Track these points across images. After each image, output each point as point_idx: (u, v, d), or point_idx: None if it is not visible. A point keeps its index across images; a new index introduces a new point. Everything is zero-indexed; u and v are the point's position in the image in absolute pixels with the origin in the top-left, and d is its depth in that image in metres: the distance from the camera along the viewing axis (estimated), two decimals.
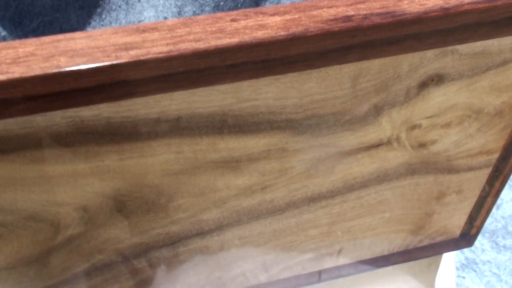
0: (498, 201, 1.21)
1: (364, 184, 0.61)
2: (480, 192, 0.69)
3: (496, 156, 0.64)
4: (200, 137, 0.49)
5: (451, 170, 0.64)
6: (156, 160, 0.50)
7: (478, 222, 0.75)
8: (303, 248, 0.68)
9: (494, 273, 1.06)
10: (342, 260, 0.73)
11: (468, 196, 0.69)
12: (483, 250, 1.10)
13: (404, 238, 0.73)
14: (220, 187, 0.55)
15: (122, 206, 0.54)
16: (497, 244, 1.10)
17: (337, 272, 0.74)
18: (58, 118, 0.44)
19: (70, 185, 0.50)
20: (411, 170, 0.62)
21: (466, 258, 1.09)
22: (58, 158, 0.47)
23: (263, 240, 0.64)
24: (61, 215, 0.53)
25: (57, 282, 0.60)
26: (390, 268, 0.86)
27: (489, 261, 1.08)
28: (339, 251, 0.71)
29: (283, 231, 0.64)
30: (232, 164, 0.53)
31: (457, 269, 1.07)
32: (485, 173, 0.66)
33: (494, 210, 1.21)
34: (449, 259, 1.02)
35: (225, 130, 0.50)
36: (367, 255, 0.73)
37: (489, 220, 1.17)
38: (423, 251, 0.77)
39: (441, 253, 0.79)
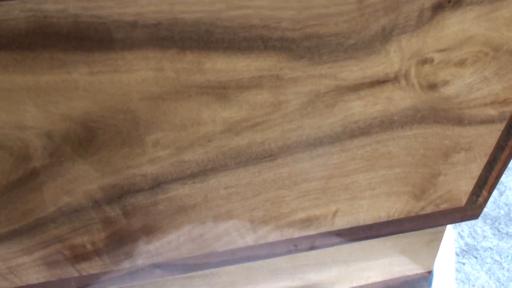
0: (501, 188, 1.16)
1: (366, 130, 0.55)
2: (491, 152, 0.63)
3: (511, 108, 0.58)
4: (184, 52, 0.43)
5: (462, 121, 0.58)
6: (132, 78, 0.44)
7: (486, 190, 0.69)
8: (295, 206, 0.61)
9: (496, 260, 1.00)
10: (338, 224, 0.66)
11: (478, 155, 0.63)
12: (484, 237, 1.05)
13: (406, 202, 0.67)
14: (205, 120, 0.49)
15: (93, 135, 0.47)
16: (499, 231, 1.05)
17: (331, 239, 0.68)
18: (17, 11, 0.38)
19: (32, 102, 0.43)
20: (418, 118, 0.56)
21: (467, 244, 1.04)
22: (17, 64, 0.41)
23: (252, 192, 0.58)
24: (23, 142, 0.46)
25: (18, 228, 0.54)
26: (387, 244, 0.80)
27: (490, 248, 1.03)
28: (335, 213, 0.64)
29: (274, 182, 0.57)
30: (219, 90, 0.47)
31: (457, 255, 1.01)
32: (498, 129, 0.60)
33: (496, 196, 1.16)
34: (449, 244, 0.96)
35: (212, 44, 0.43)
36: (365, 219, 0.67)
37: (491, 206, 1.12)
38: (426, 220, 0.71)
39: (444, 224, 0.73)
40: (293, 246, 0.68)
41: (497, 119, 0.59)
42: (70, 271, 0.61)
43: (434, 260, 0.88)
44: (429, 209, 0.69)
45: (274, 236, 0.65)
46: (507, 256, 1.01)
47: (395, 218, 0.69)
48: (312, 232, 0.66)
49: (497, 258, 1.01)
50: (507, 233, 1.05)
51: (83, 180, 0.51)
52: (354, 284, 0.86)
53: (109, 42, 0.41)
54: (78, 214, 0.54)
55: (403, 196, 0.65)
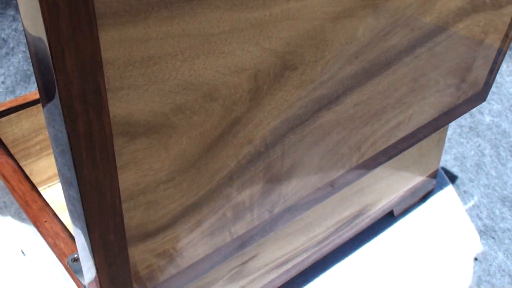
0: None
1: (447, 25, 0.65)
2: (505, 32, 0.77)
3: None
4: None
5: (495, 4, 0.70)
6: None
7: (494, 72, 0.83)
8: (390, 115, 0.69)
9: None
10: (409, 127, 0.75)
11: (497, 38, 0.76)
12: (503, 218, 1.07)
13: (451, 94, 0.78)
14: (359, 36, 0.54)
15: (285, 68, 0.50)
16: None
17: (406, 143, 0.76)
18: None
19: (254, 40, 0.46)
20: (475, 5, 0.66)
21: (485, 225, 1.06)
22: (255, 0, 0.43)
23: (368, 107, 0.64)
24: (235, 89, 0.48)
25: (202, 194, 0.54)
26: (413, 150, 0.91)
27: (508, 229, 1.05)
28: (411, 116, 0.73)
29: (384, 92, 0.64)
30: (375, 1, 0.53)
31: None
32: (510, 11, 0.74)
33: None
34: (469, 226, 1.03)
35: None
36: (426, 118, 0.77)
37: (511, 189, 1.14)
38: (456, 111, 0.82)
39: (466, 111, 0.86)
40: (373, 162, 0.75)
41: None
42: (225, 237, 0.61)
43: (440, 158, 1.01)
44: (462, 99, 0.81)
45: (371, 151, 0.72)
46: None
47: (442, 112, 0.79)
48: (394, 140, 0.74)
49: None
50: None
51: (264, 123, 0.53)
52: (391, 198, 0.95)
53: None
54: (249, 165, 0.56)
55: (450, 89, 0.76)
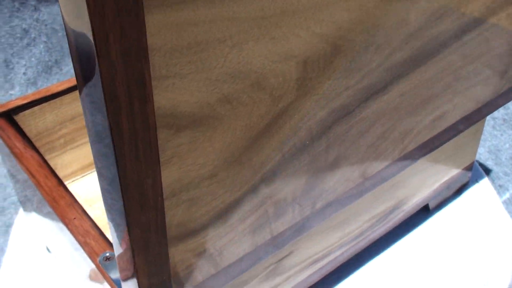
0: None
1: (494, 10, 0.61)
2: None
3: None
4: None
5: None
6: None
7: None
8: (435, 104, 0.65)
9: None
10: (454, 117, 0.71)
11: None
12: None
13: (495, 83, 0.74)
14: (411, 19, 0.51)
15: (335, 54, 0.47)
16: None
17: (449, 133, 0.73)
18: None
19: (305, 24, 0.42)
20: None
21: None
22: None
23: (415, 96, 0.61)
24: (283, 77, 0.44)
25: (246, 189, 0.51)
26: (452, 141, 0.87)
27: None
28: (455, 106, 0.69)
29: (430, 81, 0.61)
30: None
31: None
32: None
33: None
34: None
35: None
36: (470, 108, 0.73)
37: None
38: (502, 98, 0.79)
39: (510, 100, 0.82)
40: (416, 154, 0.71)
41: None
42: (265, 235, 0.58)
43: (477, 150, 0.97)
44: (505, 87, 0.77)
45: (413, 144, 0.68)
46: None
47: (484, 102, 0.76)
48: (437, 131, 0.70)
49: None
50: None
51: (311, 113, 0.50)
52: (427, 191, 0.92)
53: None
54: (293, 158, 0.53)
55: (495, 78, 0.72)
